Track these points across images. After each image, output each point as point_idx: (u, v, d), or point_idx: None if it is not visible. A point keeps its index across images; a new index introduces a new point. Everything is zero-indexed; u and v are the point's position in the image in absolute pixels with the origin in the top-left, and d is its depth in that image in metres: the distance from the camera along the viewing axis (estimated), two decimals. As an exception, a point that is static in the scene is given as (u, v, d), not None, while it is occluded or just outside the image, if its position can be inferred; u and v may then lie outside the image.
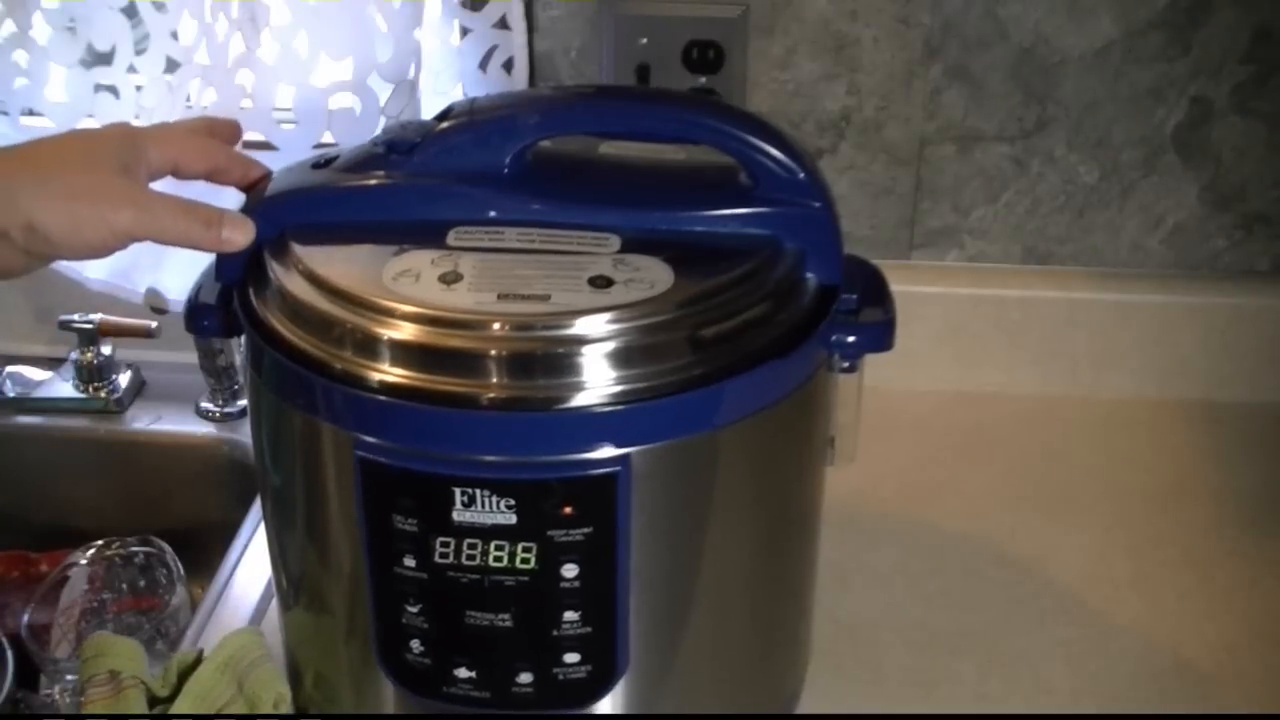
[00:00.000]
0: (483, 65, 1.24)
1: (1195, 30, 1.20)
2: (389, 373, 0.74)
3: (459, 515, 0.75)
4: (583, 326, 0.74)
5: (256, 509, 1.18)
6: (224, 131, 0.91)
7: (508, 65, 1.24)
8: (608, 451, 0.74)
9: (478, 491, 0.74)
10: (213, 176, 0.87)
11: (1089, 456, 1.26)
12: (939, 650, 1.04)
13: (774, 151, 0.83)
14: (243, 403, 1.33)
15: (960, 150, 1.28)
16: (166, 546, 1.20)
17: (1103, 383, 1.33)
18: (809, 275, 0.83)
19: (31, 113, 1.26)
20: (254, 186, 0.87)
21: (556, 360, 0.73)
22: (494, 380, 0.74)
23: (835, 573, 0.95)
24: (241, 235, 0.82)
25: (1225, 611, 1.07)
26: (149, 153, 0.83)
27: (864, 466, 0.94)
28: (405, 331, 0.75)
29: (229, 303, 0.84)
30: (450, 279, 0.77)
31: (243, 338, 0.84)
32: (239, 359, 1.31)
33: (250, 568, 1.12)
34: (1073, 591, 1.10)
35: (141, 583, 1.22)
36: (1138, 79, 1.23)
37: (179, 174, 0.85)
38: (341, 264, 0.79)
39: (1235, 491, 1.21)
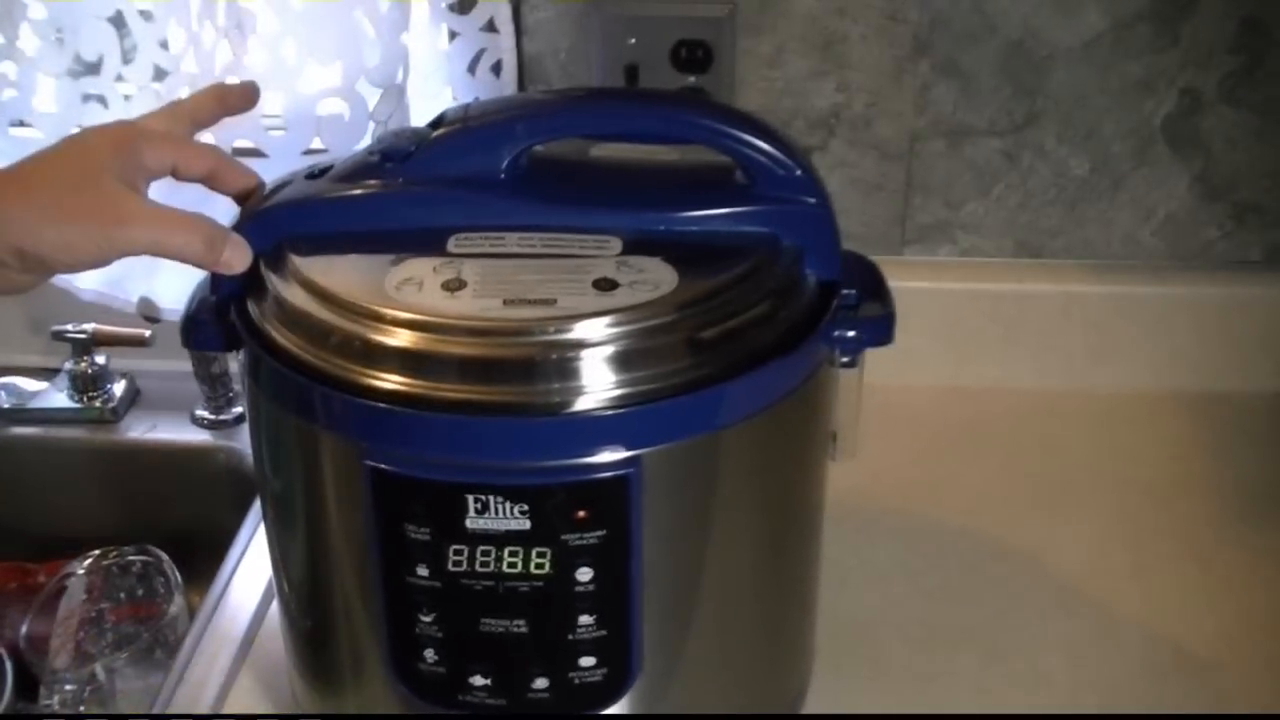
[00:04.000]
0: (471, 68, 1.24)
1: (1183, 21, 1.21)
2: (398, 381, 0.74)
3: (472, 522, 0.75)
4: (593, 330, 0.73)
5: (253, 516, 1.17)
6: (237, 99, 0.89)
7: (496, 68, 1.24)
8: (620, 454, 0.74)
9: (491, 498, 0.74)
10: (210, 180, 0.85)
11: (1086, 449, 1.26)
12: (939, 645, 1.04)
13: (770, 149, 0.83)
14: (238, 410, 1.33)
15: (950, 145, 1.28)
16: (164, 555, 1.21)
17: (1098, 375, 1.33)
18: (808, 272, 0.83)
19: (20, 124, 1.26)
20: (248, 197, 0.86)
21: (570, 364, 0.73)
22: (504, 385, 0.73)
23: (833, 569, 0.94)
24: (240, 260, 0.81)
25: (1225, 603, 1.07)
26: (144, 158, 0.80)
27: (861, 463, 0.95)
28: (413, 340, 0.74)
29: (226, 316, 0.83)
30: (454, 286, 0.76)
31: (240, 350, 0.83)
32: (233, 366, 1.30)
33: (248, 574, 1.12)
34: (1072, 584, 1.10)
35: (139, 591, 1.22)
36: (1127, 71, 1.23)
37: (178, 176, 0.83)
38: (342, 274, 0.79)
39: (1233, 482, 1.21)
